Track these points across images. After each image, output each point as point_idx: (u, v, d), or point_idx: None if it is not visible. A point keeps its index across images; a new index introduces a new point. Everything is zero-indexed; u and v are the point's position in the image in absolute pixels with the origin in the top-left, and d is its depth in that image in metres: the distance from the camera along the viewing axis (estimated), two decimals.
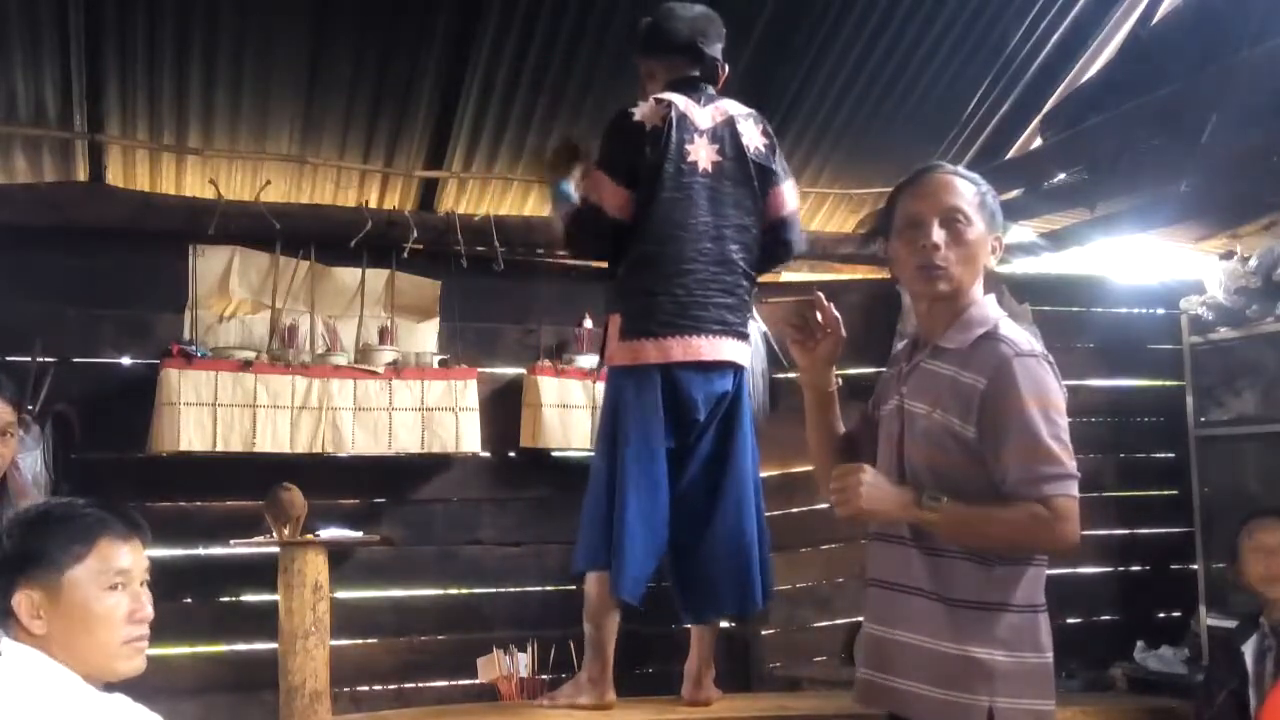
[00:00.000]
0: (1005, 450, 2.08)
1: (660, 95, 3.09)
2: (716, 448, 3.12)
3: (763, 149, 3.17)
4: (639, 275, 3.05)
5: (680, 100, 3.07)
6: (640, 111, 3.05)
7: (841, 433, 2.42)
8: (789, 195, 3.24)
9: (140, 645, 1.86)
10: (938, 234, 2.17)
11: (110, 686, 1.85)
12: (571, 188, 3.20)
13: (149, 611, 1.87)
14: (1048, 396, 2.09)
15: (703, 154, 3.07)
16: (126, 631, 1.83)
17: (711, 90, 3.17)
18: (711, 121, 3.11)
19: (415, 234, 4.27)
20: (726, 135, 3.11)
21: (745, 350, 3.18)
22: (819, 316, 2.30)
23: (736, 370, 3.14)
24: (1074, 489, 2.08)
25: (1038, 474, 2.06)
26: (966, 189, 2.22)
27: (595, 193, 3.07)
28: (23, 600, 1.78)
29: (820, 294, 2.33)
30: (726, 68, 3.22)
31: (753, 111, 3.22)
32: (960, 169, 2.30)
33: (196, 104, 3.96)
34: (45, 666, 1.76)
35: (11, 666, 1.74)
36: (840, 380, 2.38)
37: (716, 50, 3.19)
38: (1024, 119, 4.79)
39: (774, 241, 3.22)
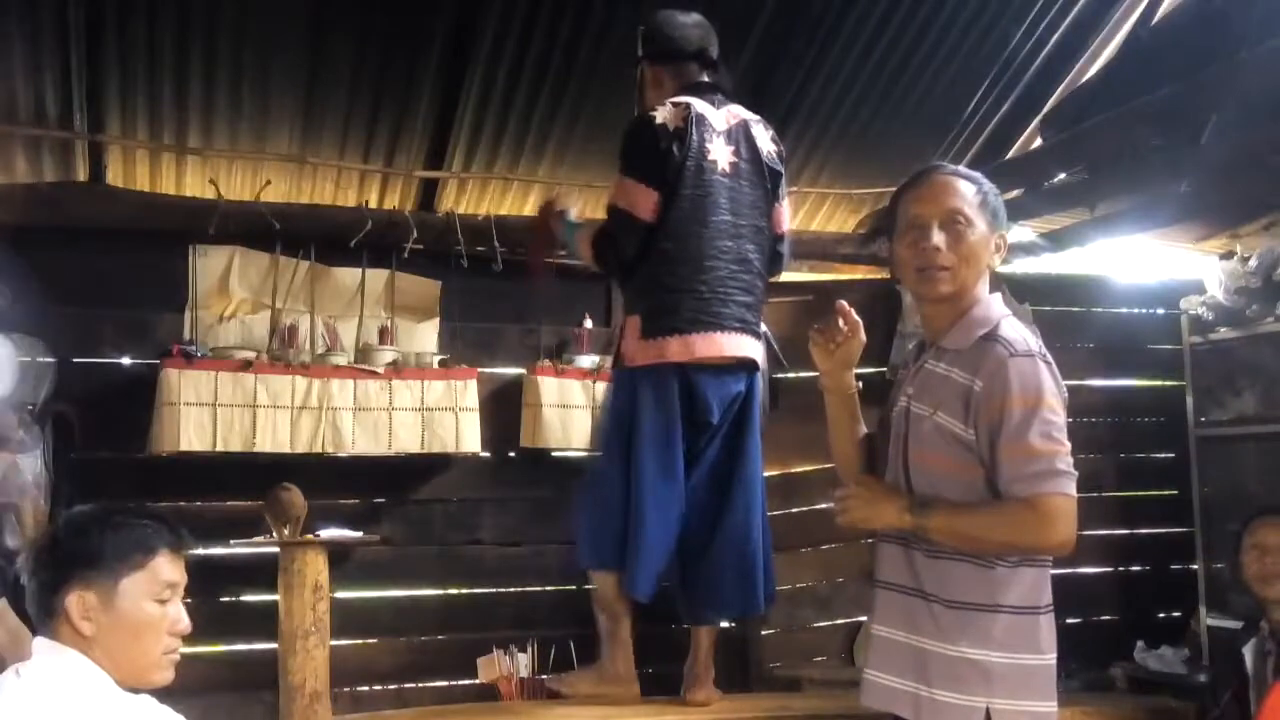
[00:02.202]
0: (997, 450, 2.09)
1: (676, 99, 3.10)
2: (727, 450, 3.12)
3: (774, 154, 3.21)
4: (659, 273, 3.05)
5: (697, 102, 3.09)
6: (661, 114, 3.06)
7: (863, 434, 2.42)
8: (786, 215, 3.31)
9: (175, 658, 1.91)
10: (938, 236, 2.18)
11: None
12: (575, 217, 3.27)
13: (188, 625, 1.90)
14: (1040, 395, 2.10)
15: (721, 154, 3.08)
16: (167, 643, 1.87)
17: (721, 94, 3.19)
18: (727, 124, 3.13)
19: (415, 234, 4.26)
20: (741, 138, 3.14)
21: (760, 350, 3.18)
22: (840, 320, 2.31)
23: (750, 371, 3.14)
24: (1066, 486, 2.07)
25: (1025, 473, 2.07)
26: (968, 190, 2.22)
27: (626, 199, 3.05)
28: (76, 601, 1.81)
29: (842, 301, 2.34)
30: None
31: (760, 117, 3.25)
32: (962, 169, 2.31)
33: (196, 104, 3.96)
34: (82, 668, 1.79)
35: (49, 666, 1.78)
36: (861, 383, 2.39)
37: (715, 55, 3.22)
38: (1024, 119, 4.78)
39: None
